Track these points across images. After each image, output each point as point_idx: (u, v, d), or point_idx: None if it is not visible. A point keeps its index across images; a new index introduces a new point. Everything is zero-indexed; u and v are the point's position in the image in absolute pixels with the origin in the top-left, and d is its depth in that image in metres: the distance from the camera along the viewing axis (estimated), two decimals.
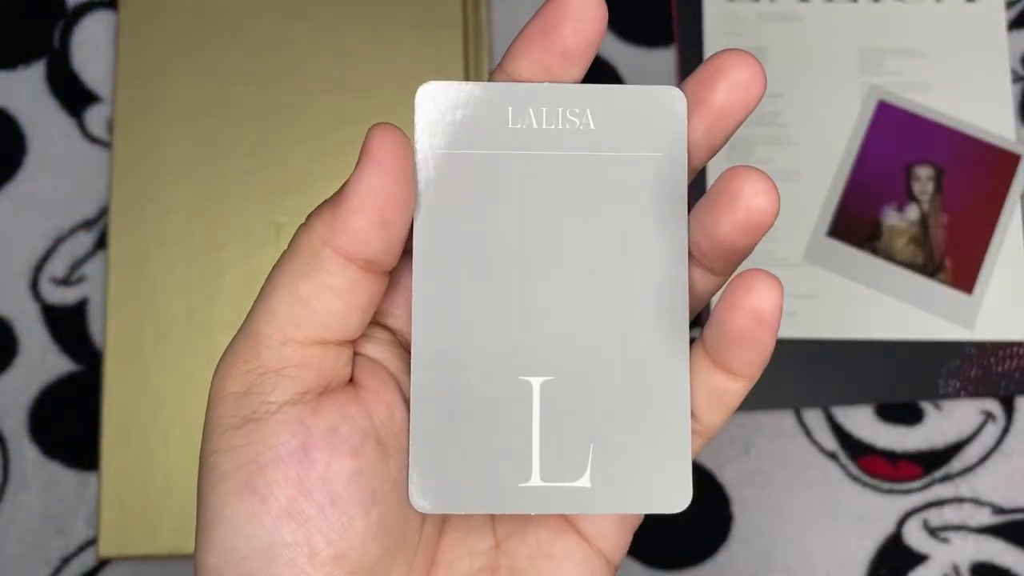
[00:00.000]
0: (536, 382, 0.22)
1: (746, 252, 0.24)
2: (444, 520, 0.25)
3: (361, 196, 0.22)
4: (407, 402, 0.24)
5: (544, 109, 0.24)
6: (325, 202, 0.23)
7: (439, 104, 0.24)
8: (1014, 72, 0.54)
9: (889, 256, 0.51)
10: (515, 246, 0.23)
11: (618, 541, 0.25)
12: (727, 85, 0.24)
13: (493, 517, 0.25)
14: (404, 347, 0.25)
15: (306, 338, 0.22)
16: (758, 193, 0.22)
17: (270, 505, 0.21)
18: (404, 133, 0.24)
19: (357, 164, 0.23)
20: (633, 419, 0.23)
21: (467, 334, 0.23)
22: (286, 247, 0.23)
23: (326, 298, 0.22)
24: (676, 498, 0.23)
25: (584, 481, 0.22)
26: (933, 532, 0.49)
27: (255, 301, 0.23)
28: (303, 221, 0.23)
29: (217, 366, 0.23)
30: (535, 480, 0.22)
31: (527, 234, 0.23)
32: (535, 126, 0.24)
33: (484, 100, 0.24)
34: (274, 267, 0.23)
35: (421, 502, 0.22)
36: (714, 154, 0.25)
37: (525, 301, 0.23)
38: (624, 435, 0.23)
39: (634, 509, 0.23)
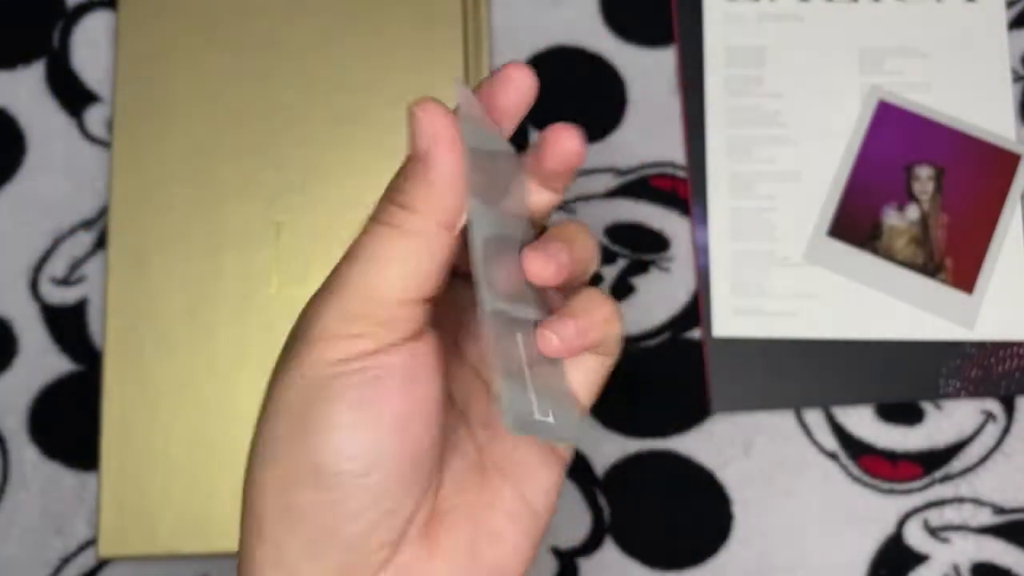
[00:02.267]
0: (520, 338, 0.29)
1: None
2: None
3: (449, 175, 0.27)
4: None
5: None
6: (408, 185, 0.27)
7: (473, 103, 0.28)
8: (1014, 72, 0.54)
9: (889, 256, 0.51)
10: None
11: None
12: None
13: (471, 431, 0.31)
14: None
15: (414, 300, 0.27)
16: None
17: (384, 419, 0.27)
18: (445, 105, 0.27)
19: (427, 144, 0.27)
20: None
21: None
22: (381, 222, 0.27)
23: (433, 267, 0.27)
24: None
25: (550, 418, 0.28)
26: (934, 532, 0.49)
27: (357, 264, 0.28)
28: (391, 200, 0.28)
29: (320, 312, 0.27)
30: (537, 415, 0.28)
31: None
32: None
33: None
34: (377, 238, 0.27)
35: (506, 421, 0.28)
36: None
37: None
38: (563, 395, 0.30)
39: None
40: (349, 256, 0.28)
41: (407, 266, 0.27)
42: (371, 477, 0.27)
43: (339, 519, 0.27)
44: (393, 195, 0.28)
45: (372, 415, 0.27)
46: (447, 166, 0.27)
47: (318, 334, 0.27)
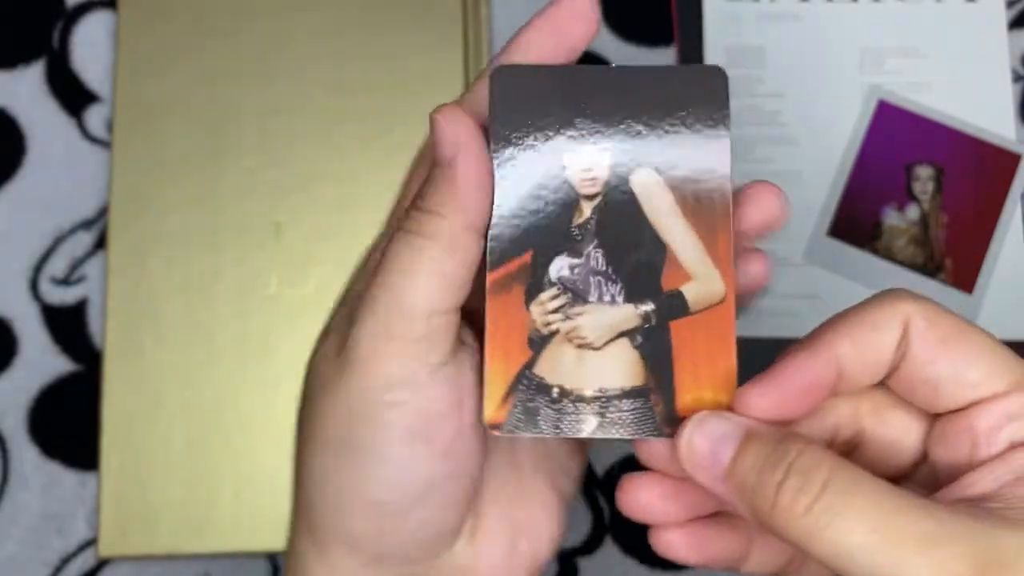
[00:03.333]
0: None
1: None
2: None
3: (474, 180, 0.26)
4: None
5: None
6: (433, 191, 0.27)
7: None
8: (1014, 72, 0.54)
9: (889, 256, 0.51)
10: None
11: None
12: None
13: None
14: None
15: (447, 307, 0.26)
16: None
17: (434, 448, 0.27)
18: (464, 112, 0.27)
19: (452, 151, 0.26)
20: None
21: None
22: (406, 230, 0.27)
23: (462, 271, 0.26)
24: None
25: None
26: None
27: (387, 276, 0.26)
28: (418, 207, 0.27)
29: (360, 332, 0.26)
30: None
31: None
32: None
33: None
34: (405, 247, 0.26)
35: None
36: None
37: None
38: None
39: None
40: (380, 270, 0.27)
41: (436, 273, 0.26)
42: (425, 504, 0.27)
43: (395, 543, 0.28)
44: (418, 202, 0.27)
45: (423, 446, 0.27)
46: (473, 169, 0.26)
47: (359, 357, 0.27)
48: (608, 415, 0.27)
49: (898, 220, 0.52)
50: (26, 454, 0.50)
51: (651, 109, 0.27)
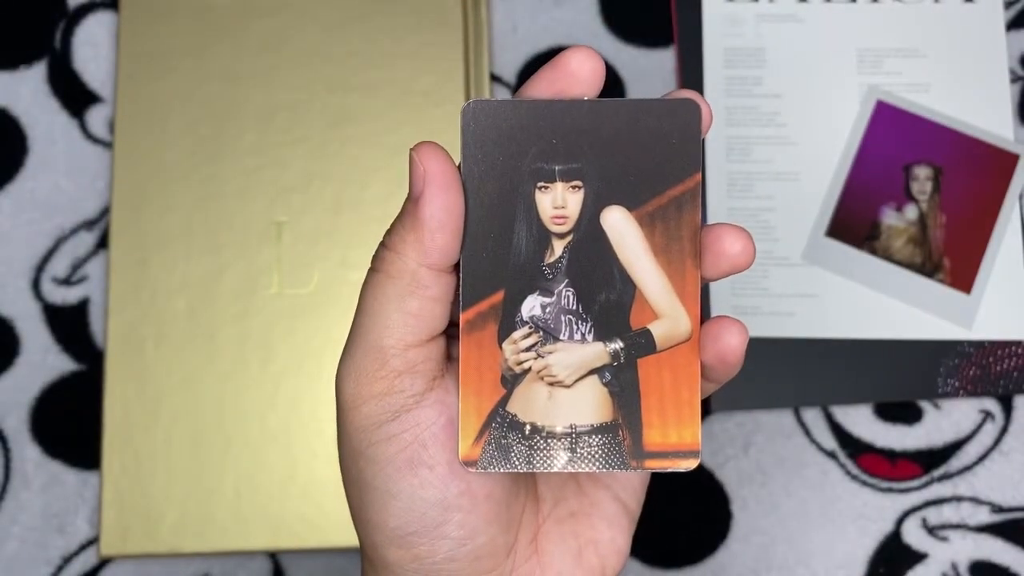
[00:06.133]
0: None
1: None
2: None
3: (438, 217, 0.26)
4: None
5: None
6: (399, 227, 0.27)
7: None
8: (1012, 72, 0.54)
9: (888, 256, 0.52)
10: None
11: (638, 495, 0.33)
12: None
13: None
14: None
15: (421, 340, 0.27)
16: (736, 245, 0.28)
17: (437, 472, 0.27)
18: (444, 148, 0.27)
19: (419, 187, 0.26)
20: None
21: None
22: (374, 269, 0.27)
23: (430, 306, 0.27)
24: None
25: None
26: (932, 531, 0.50)
27: (360, 317, 0.27)
28: (384, 244, 0.27)
29: (343, 378, 0.27)
30: None
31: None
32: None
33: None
34: (372, 288, 0.27)
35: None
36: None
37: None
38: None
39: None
40: (357, 311, 0.28)
41: (402, 312, 0.27)
42: (449, 525, 0.27)
43: (436, 566, 0.28)
44: (385, 239, 0.28)
45: (427, 472, 0.27)
46: (438, 206, 0.26)
47: (346, 402, 0.28)
48: (578, 450, 0.27)
49: (896, 220, 0.52)
50: (28, 453, 0.50)
51: (623, 145, 0.27)
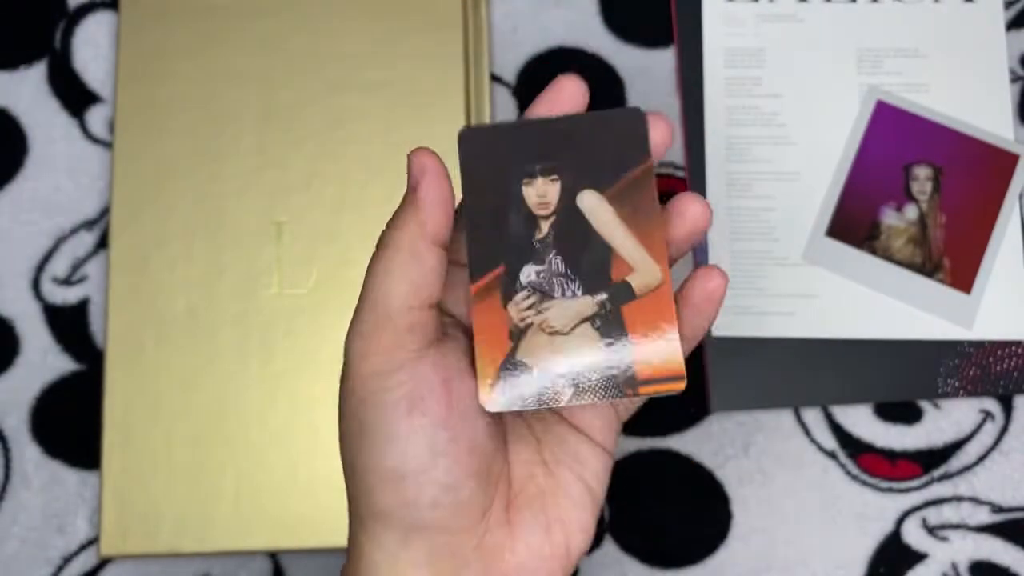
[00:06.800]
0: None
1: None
2: (507, 434, 0.35)
3: (432, 198, 0.32)
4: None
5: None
6: (400, 211, 0.32)
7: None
8: (1012, 72, 0.54)
9: (888, 256, 0.52)
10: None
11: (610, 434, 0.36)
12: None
13: (529, 425, 0.35)
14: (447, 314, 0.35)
15: (422, 304, 0.32)
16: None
17: (430, 419, 0.31)
18: (431, 151, 0.32)
19: (417, 177, 0.32)
20: None
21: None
22: (379, 246, 0.32)
23: (427, 275, 0.32)
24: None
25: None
26: (932, 531, 0.50)
27: (368, 287, 0.32)
28: (388, 226, 0.32)
29: (352, 338, 0.32)
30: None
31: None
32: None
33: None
34: (378, 261, 0.32)
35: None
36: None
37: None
38: None
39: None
40: (364, 283, 0.32)
41: (405, 278, 0.31)
42: (436, 470, 0.31)
43: (420, 512, 0.31)
44: (388, 222, 0.33)
45: (420, 418, 0.31)
46: (433, 189, 0.32)
47: (355, 355, 0.32)
48: (580, 385, 0.32)
49: (896, 220, 0.52)
50: (28, 453, 0.50)
51: (588, 145, 0.34)
